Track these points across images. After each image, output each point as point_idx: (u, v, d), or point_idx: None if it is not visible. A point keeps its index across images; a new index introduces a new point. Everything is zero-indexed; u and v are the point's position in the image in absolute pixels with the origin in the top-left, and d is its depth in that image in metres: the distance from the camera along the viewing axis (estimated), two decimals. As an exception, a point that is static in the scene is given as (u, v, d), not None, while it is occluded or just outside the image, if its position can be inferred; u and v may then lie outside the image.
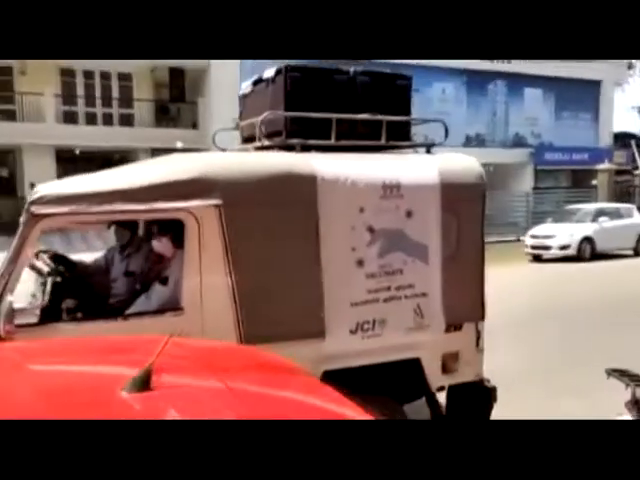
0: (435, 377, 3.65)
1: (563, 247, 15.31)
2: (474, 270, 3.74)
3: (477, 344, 3.79)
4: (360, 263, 3.36)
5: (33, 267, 3.72)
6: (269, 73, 3.74)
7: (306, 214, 3.21)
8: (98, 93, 20.41)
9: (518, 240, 18.30)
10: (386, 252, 3.43)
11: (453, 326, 3.69)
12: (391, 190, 3.42)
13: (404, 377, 3.65)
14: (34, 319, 2.92)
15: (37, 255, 3.84)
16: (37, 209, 2.66)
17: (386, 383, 3.60)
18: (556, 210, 19.28)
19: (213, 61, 18.43)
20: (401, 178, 3.46)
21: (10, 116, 18.92)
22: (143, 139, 19.14)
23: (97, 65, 19.45)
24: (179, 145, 17.00)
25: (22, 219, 2.67)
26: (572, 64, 20.97)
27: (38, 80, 18.22)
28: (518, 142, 24.99)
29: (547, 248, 15.49)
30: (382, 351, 3.45)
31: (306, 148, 3.55)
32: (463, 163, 3.79)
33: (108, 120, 20.55)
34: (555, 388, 5.16)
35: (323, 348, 3.29)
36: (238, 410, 1.44)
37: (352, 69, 3.76)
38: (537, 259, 15.64)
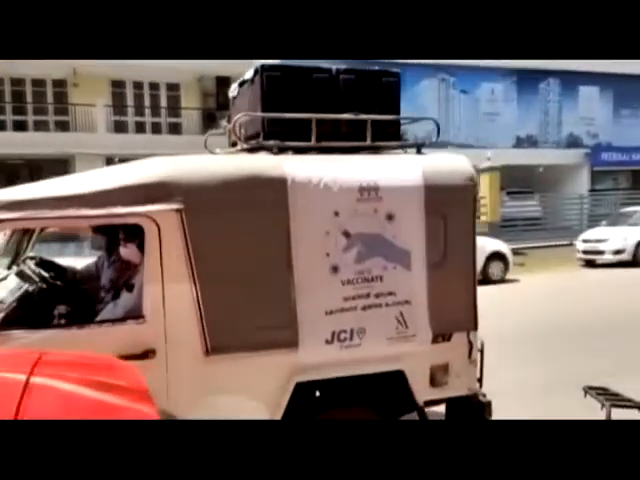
0: (422, 390, 3.44)
1: (617, 252, 14.50)
2: (465, 277, 3.51)
3: (469, 356, 3.55)
4: (335, 269, 3.20)
5: (19, 273, 3.76)
6: (249, 73, 3.64)
7: (276, 218, 3.09)
8: (147, 103, 20.97)
9: (571, 244, 17.52)
10: (364, 258, 3.26)
11: (441, 336, 3.47)
12: (369, 192, 3.25)
13: (387, 390, 3.46)
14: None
15: (24, 261, 3.90)
16: None
17: (368, 396, 3.43)
18: (611, 213, 18.36)
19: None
20: (380, 180, 3.28)
21: (64, 127, 19.70)
22: (190, 146, 19.47)
23: (146, 76, 20.00)
24: (217, 151, 17.12)
25: None
26: (632, 60, 20.07)
27: (90, 91, 18.90)
28: (573, 142, 23.99)
29: (600, 253, 14.73)
30: (362, 362, 3.27)
31: (285, 150, 3.43)
32: (451, 163, 3.57)
33: (157, 129, 21.08)
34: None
35: (296, 359, 3.15)
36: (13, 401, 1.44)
37: (334, 67, 3.62)
38: (590, 264, 14.88)
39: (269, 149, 3.38)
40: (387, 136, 3.72)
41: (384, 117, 3.64)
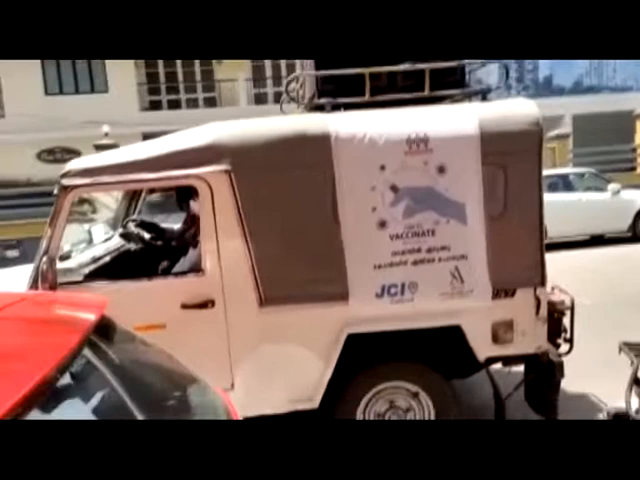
0: (482, 347, 3.35)
1: None
2: (529, 230, 3.30)
3: (537, 312, 3.36)
4: (382, 224, 3.21)
5: (122, 234, 4.29)
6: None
7: (321, 175, 3.16)
8: (284, 73, 21.66)
9: None
10: (414, 212, 3.22)
11: (504, 292, 3.33)
12: (417, 145, 3.18)
13: (446, 346, 3.42)
14: (79, 277, 3.38)
15: (127, 223, 4.42)
16: (66, 182, 3.07)
17: (424, 351, 3.42)
18: None
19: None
20: (430, 131, 3.19)
21: (212, 103, 21.13)
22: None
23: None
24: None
25: (55, 191, 3.12)
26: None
27: (232, 67, 19.99)
28: None
29: None
30: (415, 317, 3.27)
31: (338, 107, 3.47)
32: (513, 109, 3.34)
33: (294, 98, 21.77)
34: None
35: (347, 311, 3.25)
36: None
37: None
38: None
39: (322, 107, 3.45)
40: (449, 85, 3.57)
41: (443, 64, 3.50)
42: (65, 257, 3.69)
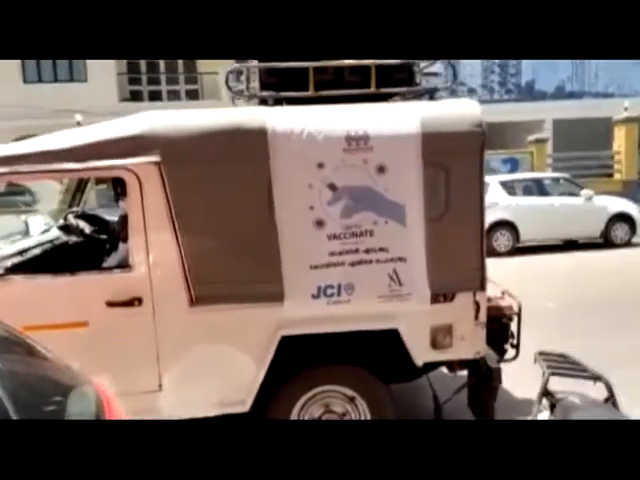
0: (421, 351, 3.27)
1: None
2: (470, 233, 3.23)
3: (476, 317, 3.29)
4: (320, 223, 3.11)
5: (61, 226, 4.15)
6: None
7: (256, 170, 3.06)
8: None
9: None
10: (352, 212, 3.13)
11: (442, 296, 3.25)
12: (357, 142, 3.08)
13: (384, 350, 3.33)
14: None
15: (67, 215, 4.28)
16: None
17: (362, 354, 3.34)
18: None
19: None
20: (370, 129, 3.10)
21: (194, 95, 20.90)
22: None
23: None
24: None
25: None
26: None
27: (216, 60, 19.81)
28: None
29: None
30: (352, 319, 3.18)
31: (281, 101, 3.37)
32: (457, 109, 3.26)
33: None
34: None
35: (282, 312, 3.15)
36: None
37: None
38: None
39: (266, 101, 3.34)
40: (396, 83, 3.48)
41: (390, 61, 3.40)
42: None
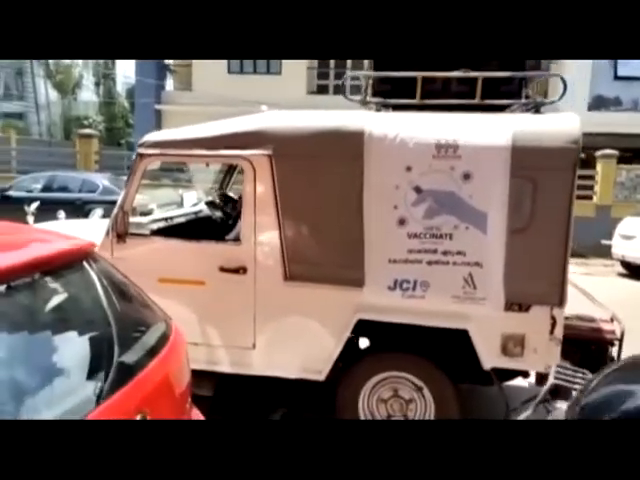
0: (489, 355, 3.39)
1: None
2: (554, 248, 3.24)
3: (551, 332, 3.30)
4: (402, 222, 3.38)
5: (208, 203, 4.92)
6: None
7: (351, 169, 3.41)
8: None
9: None
10: (434, 214, 3.34)
11: (517, 305, 3.32)
12: (446, 150, 3.28)
13: (453, 348, 3.50)
14: (146, 231, 4.00)
15: (212, 194, 5.04)
16: (141, 150, 3.70)
17: (431, 348, 3.55)
18: None
19: None
20: (460, 138, 3.27)
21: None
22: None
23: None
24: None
25: (133, 157, 3.76)
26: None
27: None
28: None
29: None
30: (424, 314, 3.41)
31: (387, 107, 3.68)
32: (553, 124, 3.27)
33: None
34: None
35: (361, 297, 3.49)
36: None
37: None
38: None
39: (385, 106, 3.69)
40: (503, 95, 3.58)
41: (497, 74, 3.52)
42: (147, 213, 4.40)
